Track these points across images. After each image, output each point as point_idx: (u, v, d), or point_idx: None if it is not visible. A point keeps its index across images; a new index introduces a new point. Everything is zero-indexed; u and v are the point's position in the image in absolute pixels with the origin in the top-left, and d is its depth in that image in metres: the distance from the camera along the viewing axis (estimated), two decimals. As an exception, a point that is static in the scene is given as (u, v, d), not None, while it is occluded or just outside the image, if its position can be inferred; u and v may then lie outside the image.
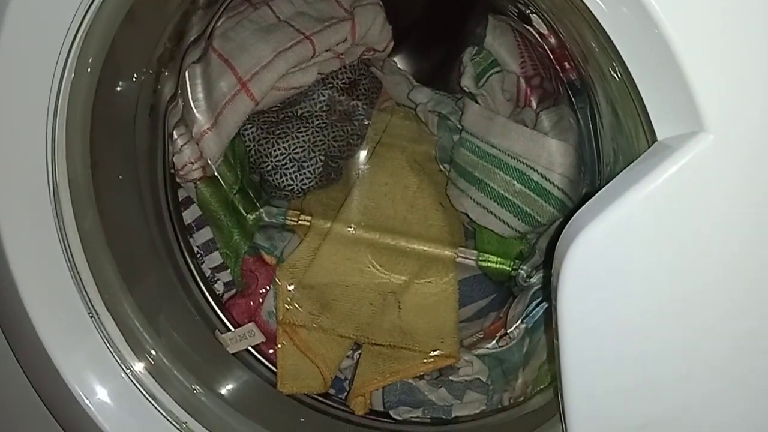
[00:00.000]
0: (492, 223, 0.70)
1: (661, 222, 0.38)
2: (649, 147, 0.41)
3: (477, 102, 0.76)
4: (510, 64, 0.76)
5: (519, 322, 0.69)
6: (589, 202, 0.41)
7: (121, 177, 0.64)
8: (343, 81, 0.83)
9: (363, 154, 0.82)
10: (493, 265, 0.73)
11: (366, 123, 0.83)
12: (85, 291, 0.58)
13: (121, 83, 0.60)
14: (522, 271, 0.71)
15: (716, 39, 0.35)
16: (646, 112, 0.40)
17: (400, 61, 0.94)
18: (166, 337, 0.65)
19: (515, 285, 0.74)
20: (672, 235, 0.38)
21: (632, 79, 0.39)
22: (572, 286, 0.40)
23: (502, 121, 0.70)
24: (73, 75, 0.50)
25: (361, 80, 0.84)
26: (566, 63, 0.62)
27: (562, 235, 0.42)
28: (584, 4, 0.39)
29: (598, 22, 0.39)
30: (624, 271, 0.39)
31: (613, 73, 0.45)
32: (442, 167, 0.80)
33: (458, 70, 0.81)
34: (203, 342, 0.72)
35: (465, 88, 0.76)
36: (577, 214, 0.41)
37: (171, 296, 0.71)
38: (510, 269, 0.72)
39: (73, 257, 0.57)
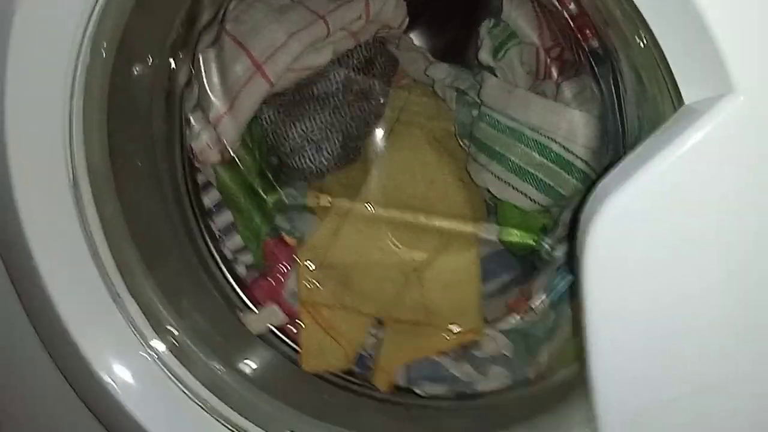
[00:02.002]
0: (513, 197, 0.69)
1: (691, 188, 0.37)
2: (675, 112, 0.40)
3: (495, 75, 0.75)
4: (529, 35, 0.75)
5: (543, 296, 0.68)
6: (614, 169, 0.40)
7: (140, 163, 0.64)
8: (359, 59, 0.82)
9: (381, 133, 0.81)
10: (516, 239, 0.72)
11: (383, 101, 0.82)
12: (108, 276, 0.58)
13: (135, 69, 0.59)
14: (545, 245, 0.70)
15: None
16: (672, 75, 0.39)
17: (416, 38, 0.92)
18: (190, 319, 0.65)
19: (539, 259, 0.73)
20: (703, 202, 0.37)
21: (656, 42, 0.38)
22: (598, 258, 0.39)
23: (522, 93, 0.69)
24: (88, 59, 0.50)
25: (377, 58, 0.83)
26: (587, 31, 0.60)
27: (586, 205, 0.41)
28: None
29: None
30: (652, 241, 0.38)
31: (637, 38, 0.43)
32: (462, 143, 0.79)
33: (476, 43, 0.80)
34: (227, 323, 0.72)
35: (483, 62, 0.75)
36: (601, 182, 0.40)
37: (193, 279, 0.72)
38: (533, 243, 0.71)
39: (95, 243, 0.58)
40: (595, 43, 0.60)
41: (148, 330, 0.60)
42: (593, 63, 0.62)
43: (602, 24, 0.52)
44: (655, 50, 0.39)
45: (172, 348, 0.61)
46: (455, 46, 0.94)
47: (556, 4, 0.60)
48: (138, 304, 0.60)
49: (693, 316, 0.39)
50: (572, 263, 0.66)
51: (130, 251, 0.61)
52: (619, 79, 0.58)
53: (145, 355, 0.60)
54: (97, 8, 0.48)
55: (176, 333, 0.62)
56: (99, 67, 0.53)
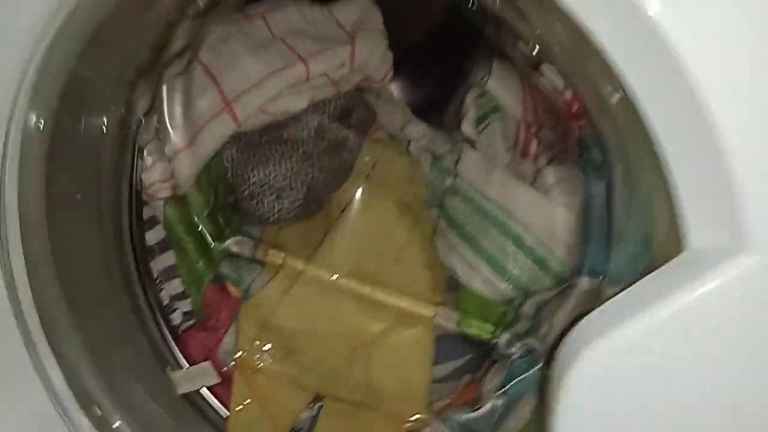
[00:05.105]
0: (478, 284, 0.65)
1: (686, 350, 0.33)
2: (676, 250, 0.36)
3: (475, 148, 0.71)
4: (513, 110, 0.72)
5: (493, 394, 0.64)
6: (601, 307, 0.36)
7: (79, 196, 0.58)
8: (335, 108, 0.77)
9: (349, 189, 0.76)
10: (474, 330, 0.67)
11: (355, 155, 0.78)
12: (31, 339, 0.51)
13: (86, 115, 0.53)
14: (502, 340, 0.65)
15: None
16: (678, 214, 0.35)
17: (396, 89, 0.88)
18: (116, 380, 0.58)
19: (495, 350, 0.69)
20: (697, 367, 0.33)
21: (668, 177, 0.35)
22: (572, 409, 0.35)
23: (502, 175, 0.66)
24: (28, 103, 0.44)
25: (355, 109, 0.79)
26: (581, 118, 0.56)
27: (566, 343, 0.37)
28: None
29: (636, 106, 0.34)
30: (635, 401, 0.34)
31: (645, 158, 0.40)
32: (432, 212, 0.75)
33: (459, 109, 0.76)
34: (153, 382, 0.65)
35: (465, 133, 0.72)
36: (586, 319, 0.36)
37: (124, 331, 0.65)
38: (490, 336, 0.67)
39: (15, 284, 0.51)
40: (586, 133, 0.56)
41: (71, 403, 0.53)
42: (582, 151, 0.58)
43: (599, 118, 0.48)
44: (664, 183, 0.36)
45: (92, 420, 0.54)
46: (437, 102, 0.90)
47: (550, 87, 0.56)
48: (61, 369, 0.52)
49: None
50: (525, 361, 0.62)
51: (55, 297, 0.53)
52: (611, 176, 0.54)
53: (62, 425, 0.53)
54: (42, 49, 0.41)
55: (99, 399, 0.55)
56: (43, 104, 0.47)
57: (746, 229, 0.32)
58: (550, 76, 0.55)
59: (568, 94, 0.59)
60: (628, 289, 0.36)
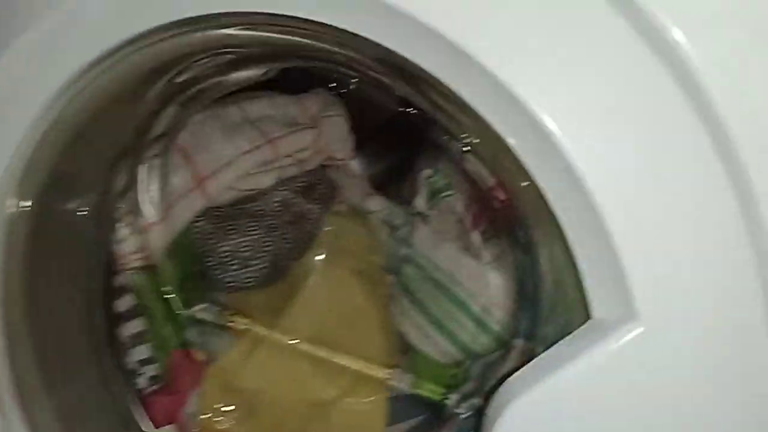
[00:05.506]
0: (428, 347, 0.70)
1: (587, 404, 0.39)
2: (584, 318, 0.42)
3: (427, 221, 0.78)
4: (461, 189, 0.79)
5: (446, 453, 0.68)
6: (521, 371, 0.42)
7: (56, 269, 0.62)
8: (300, 183, 0.84)
9: (311, 257, 0.82)
10: (425, 392, 0.72)
11: (318, 226, 0.84)
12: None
13: (69, 193, 0.59)
14: (451, 400, 0.70)
15: (660, 240, 0.37)
16: (584, 289, 0.42)
17: (357, 165, 0.95)
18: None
19: (444, 409, 0.74)
20: (593, 421, 0.39)
21: (573, 257, 0.41)
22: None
23: (450, 247, 0.72)
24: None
25: (318, 184, 0.86)
26: (508, 202, 0.64)
27: (493, 400, 0.42)
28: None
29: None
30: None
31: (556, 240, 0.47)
32: (388, 278, 0.81)
33: (414, 184, 0.83)
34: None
35: (417, 208, 0.78)
36: (508, 381, 0.42)
37: (93, 393, 0.68)
38: (440, 397, 0.72)
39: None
40: (514, 219, 0.63)
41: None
42: (513, 235, 0.66)
43: (527, 218, 0.56)
44: (572, 262, 0.42)
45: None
46: (394, 177, 0.97)
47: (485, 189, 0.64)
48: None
49: None
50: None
51: (31, 373, 0.57)
52: (536, 254, 0.61)
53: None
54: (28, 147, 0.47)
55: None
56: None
57: (633, 304, 0.38)
58: (477, 167, 0.63)
59: (493, 182, 0.67)
60: (544, 353, 0.42)
